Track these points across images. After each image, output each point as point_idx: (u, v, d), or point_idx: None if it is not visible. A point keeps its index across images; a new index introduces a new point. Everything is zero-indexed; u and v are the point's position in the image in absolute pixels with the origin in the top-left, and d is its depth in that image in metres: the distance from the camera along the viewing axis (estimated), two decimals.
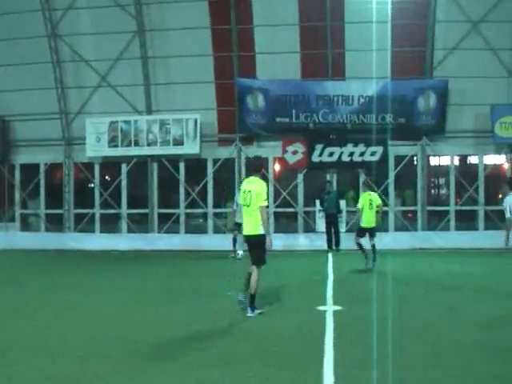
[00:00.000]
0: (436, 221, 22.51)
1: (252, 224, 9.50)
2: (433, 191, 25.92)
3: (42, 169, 24.04)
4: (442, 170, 24.36)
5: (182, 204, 23.18)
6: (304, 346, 7.49)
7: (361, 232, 15.47)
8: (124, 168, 23.51)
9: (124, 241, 22.61)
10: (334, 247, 20.07)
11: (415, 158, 22.63)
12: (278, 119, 21.96)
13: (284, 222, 23.69)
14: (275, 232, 20.89)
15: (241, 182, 19.50)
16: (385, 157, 21.85)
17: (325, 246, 20.20)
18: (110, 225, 24.00)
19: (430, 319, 9.07)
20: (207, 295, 11.57)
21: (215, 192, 23.21)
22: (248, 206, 9.53)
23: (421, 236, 21.63)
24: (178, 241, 22.21)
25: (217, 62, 22.36)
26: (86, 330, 8.52)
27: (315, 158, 22.02)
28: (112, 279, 14.63)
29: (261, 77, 22.25)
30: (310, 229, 22.59)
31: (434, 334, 8.05)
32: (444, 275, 14.47)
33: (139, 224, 23.76)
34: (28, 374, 6.36)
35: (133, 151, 22.90)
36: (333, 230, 20.23)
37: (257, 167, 10.16)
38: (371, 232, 15.31)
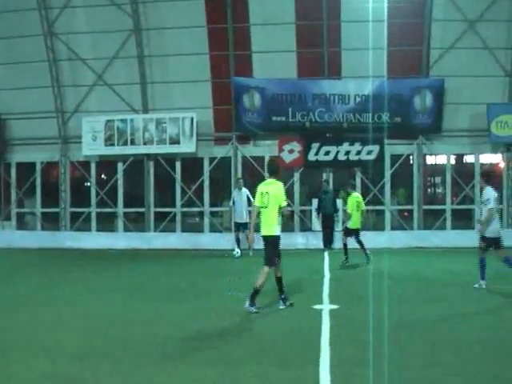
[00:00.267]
0: (432, 220, 22.54)
1: (268, 225, 9.84)
2: (429, 190, 25.95)
3: (39, 167, 24.00)
4: (439, 169, 24.38)
5: (179, 203, 23.16)
6: (301, 345, 7.52)
7: (349, 233, 16.34)
8: (120, 167, 23.49)
9: (120, 239, 22.57)
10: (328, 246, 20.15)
11: (411, 157, 22.65)
12: (274, 118, 21.96)
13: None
14: None
15: (237, 180, 19.77)
16: (381, 156, 21.86)
17: (321, 245, 20.24)
18: (107, 223, 23.96)
19: (426, 318, 9.10)
20: (206, 294, 11.60)
21: (211, 191, 23.21)
22: (266, 207, 9.81)
23: (417, 235, 21.65)
24: (175, 239, 22.20)
25: (213, 61, 22.34)
26: (84, 330, 8.54)
27: (311, 157, 22.02)
28: (109, 278, 14.63)
29: (257, 76, 22.23)
30: (306, 228, 22.60)
31: (432, 333, 8.08)
32: (441, 274, 14.50)
33: (135, 223, 23.75)
34: (27, 373, 6.38)
35: (129, 150, 22.87)
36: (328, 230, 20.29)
37: (274, 168, 10.36)
38: (357, 232, 16.25)
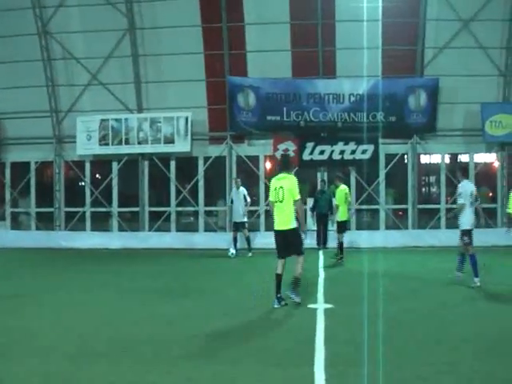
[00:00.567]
0: (427, 219, 22.58)
1: (286, 219, 10.03)
2: (423, 189, 25.98)
3: (33, 167, 23.94)
4: (433, 169, 24.42)
5: (173, 202, 23.14)
6: (296, 344, 7.52)
7: (342, 227, 16.47)
8: (115, 166, 23.47)
9: (115, 239, 22.54)
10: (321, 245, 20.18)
11: (406, 157, 22.69)
12: (268, 117, 21.96)
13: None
14: (266, 230, 21.00)
15: (235, 180, 19.72)
16: (376, 155, 21.89)
17: (315, 244, 20.22)
18: (101, 223, 23.94)
19: (420, 317, 9.12)
20: (201, 294, 11.58)
21: (206, 190, 23.20)
22: (281, 201, 10.01)
23: (412, 234, 21.70)
24: (169, 239, 22.17)
25: (208, 60, 22.33)
26: (79, 329, 8.52)
27: (306, 156, 22.02)
28: (104, 278, 14.57)
29: (252, 75, 22.22)
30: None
31: (425, 331, 8.10)
32: (435, 273, 14.50)
33: (130, 222, 23.72)
34: (20, 373, 6.36)
35: (124, 149, 22.84)
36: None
37: (287, 163, 10.59)
38: (346, 225, 16.48)
